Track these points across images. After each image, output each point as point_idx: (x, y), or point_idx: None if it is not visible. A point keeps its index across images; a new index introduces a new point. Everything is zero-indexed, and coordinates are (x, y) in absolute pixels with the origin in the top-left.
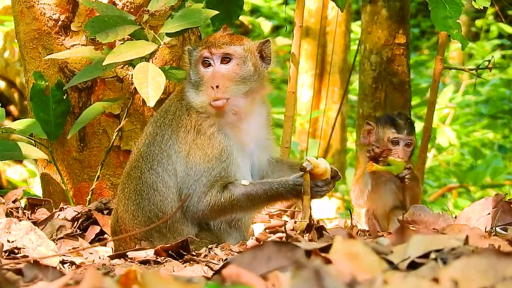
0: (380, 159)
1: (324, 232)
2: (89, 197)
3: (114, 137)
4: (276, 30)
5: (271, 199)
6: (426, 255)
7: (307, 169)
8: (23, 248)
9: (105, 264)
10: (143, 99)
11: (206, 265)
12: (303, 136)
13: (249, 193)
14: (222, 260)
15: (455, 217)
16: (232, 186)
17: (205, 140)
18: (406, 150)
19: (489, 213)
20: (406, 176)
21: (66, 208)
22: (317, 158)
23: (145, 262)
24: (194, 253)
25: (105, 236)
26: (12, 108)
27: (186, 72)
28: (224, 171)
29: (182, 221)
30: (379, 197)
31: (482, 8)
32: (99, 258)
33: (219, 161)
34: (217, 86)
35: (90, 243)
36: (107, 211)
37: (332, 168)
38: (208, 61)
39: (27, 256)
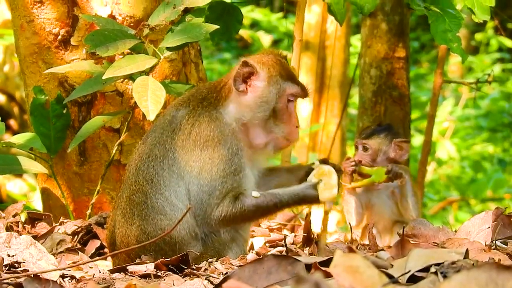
0: (358, 171)
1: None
2: (89, 211)
3: (114, 151)
4: (275, 44)
5: (280, 210)
6: (426, 269)
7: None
8: (23, 262)
9: (105, 278)
10: (143, 113)
11: (206, 279)
12: (303, 150)
13: (259, 205)
14: (222, 274)
15: (455, 231)
16: (243, 197)
17: (224, 157)
18: (363, 154)
19: (489, 227)
20: (394, 172)
21: (66, 222)
22: (319, 162)
23: (145, 276)
24: (194, 267)
25: (105, 250)
26: (12, 122)
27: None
28: (236, 182)
29: (189, 242)
30: (379, 213)
31: (482, 21)
32: (99, 272)
33: (233, 175)
34: (297, 127)
35: (91, 257)
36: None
37: (335, 165)
38: (293, 99)
39: (27, 270)
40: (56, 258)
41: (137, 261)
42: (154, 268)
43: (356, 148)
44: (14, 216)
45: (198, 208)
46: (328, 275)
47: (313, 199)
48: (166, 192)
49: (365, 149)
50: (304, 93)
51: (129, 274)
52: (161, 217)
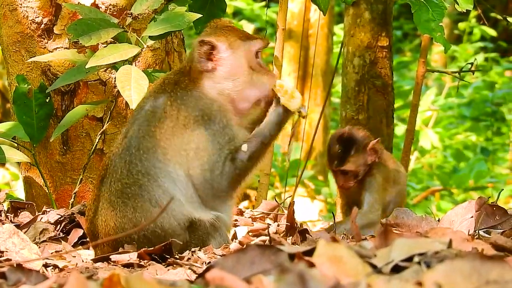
0: None
1: (307, 235)
2: (72, 200)
3: (97, 140)
4: (258, 32)
5: (270, 141)
6: (409, 259)
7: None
8: (6, 251)
9: (88, 268)
10: (126, 102)
11: (189, 268)
12: (286, 138)
13: (252, 151)
14: (206, 263)
15: (438, 220)
16: (238, 155)
17: (216, 131)
18: (345, 177)
19: (472, 216)
20: None
21: (49, 211)
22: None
23: (128, 265)
24: (177, 256)
25: (88, 239)
26: None
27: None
28: (232, 146)
29: (179, 234)
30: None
31: (465, 11)
32: (82, 261)
33: (228, 143)
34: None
35: (73, 246)
36: None
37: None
38: (259, 54)
39: (10, 260)
40: (39, 247)
41: (120, 250)
42: (137, 258)
43: (335, 173)
44: None
45: (204, 187)
46: (311, 265)
47: (288, 115)
48: (164, 184)
49: (344, 173)
50: (265, 42)
51: (112, 264)
52: (157, 210)
